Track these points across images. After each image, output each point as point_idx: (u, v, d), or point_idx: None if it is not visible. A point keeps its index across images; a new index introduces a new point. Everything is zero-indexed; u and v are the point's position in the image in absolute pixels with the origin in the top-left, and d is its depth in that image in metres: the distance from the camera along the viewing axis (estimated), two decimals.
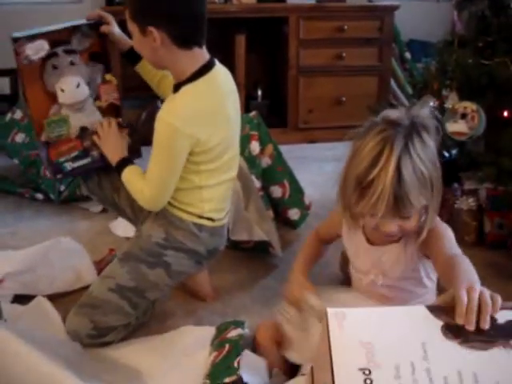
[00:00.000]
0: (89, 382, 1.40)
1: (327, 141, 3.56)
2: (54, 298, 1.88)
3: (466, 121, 2.18)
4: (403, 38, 4.08)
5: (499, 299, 1.07)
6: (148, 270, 1.71)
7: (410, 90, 3.38)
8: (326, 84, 3.64)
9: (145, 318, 1.81)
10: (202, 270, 1.91)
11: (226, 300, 1.98)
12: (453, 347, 1.03)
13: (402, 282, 1.45)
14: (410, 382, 0.98)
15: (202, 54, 1.65)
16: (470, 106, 2.19)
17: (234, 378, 1.42)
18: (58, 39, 1.79)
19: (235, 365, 1.45)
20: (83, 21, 1.82)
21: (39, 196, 2.76)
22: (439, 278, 1.40)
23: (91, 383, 1.42)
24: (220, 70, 1.70)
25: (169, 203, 1.73)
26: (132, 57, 1.84)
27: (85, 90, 1.83)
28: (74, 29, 1.80)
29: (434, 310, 1.09)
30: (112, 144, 1.83)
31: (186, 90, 1.61)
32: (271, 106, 3.75)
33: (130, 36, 1.71)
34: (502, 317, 1.06)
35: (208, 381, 1.46)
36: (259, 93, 3.75)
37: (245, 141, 2.23)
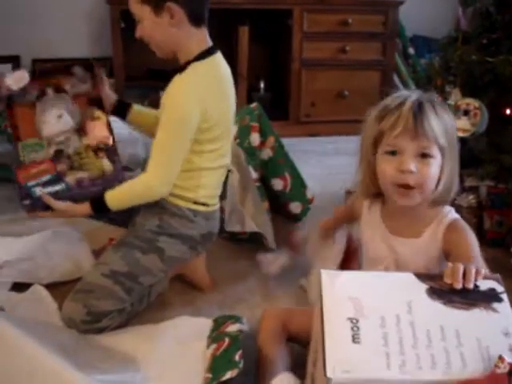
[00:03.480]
0: (84, 370, 1.40)
1: (329, 134, 3.55)
2: (52, 286, 1.89)
3: (468, 117, 2.18)
4: (407, 34, 4.07)
5: (483, 270, 1.17)
6: (141, 256, 1.73)
7: (412, 86, 3.38)
8: (328, 77, 3.63)
9: (141, 306, 1.81)
10: (198, 256, 1.91)
11: (224, 291, 1.98)
12: (436, 306, 1.12)
13: None
14: (394, 332, 1.07)
15: (207, 36, 1.72)
16: (472, 103, 2.18)
17: (235, 371, 1.41)
18: (49, 82, 1.76)
19: (236, 358, 1.45)
20: None
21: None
22: None
23: (87, 371, 1.42)
24: (221, 56, 1.76)
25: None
26: (121, 109, 1.85)
27: (68, 121, 1.76)
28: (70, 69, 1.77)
29: (420, 276, 1.19)
30: (71, 212, 1.74)
31: (194, 66, 1.67)
32: (273, 98, 3.74)
33: None
34: (485, 285, 1.16)
35: (210, 375, 1.45)
36: (261, 85, 3.74)
37: (244, 132, 2.23)
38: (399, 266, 1.44)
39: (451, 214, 1.42)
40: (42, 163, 1.71)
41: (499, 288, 1.16)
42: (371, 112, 1.39)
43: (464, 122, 2.17)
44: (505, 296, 1.15)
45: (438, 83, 2.38)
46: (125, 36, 3.17)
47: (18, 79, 1.72)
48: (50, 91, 1.75)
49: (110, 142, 1.75)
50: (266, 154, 2.29)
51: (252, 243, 2.21)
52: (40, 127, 1.75)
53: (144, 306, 1.83)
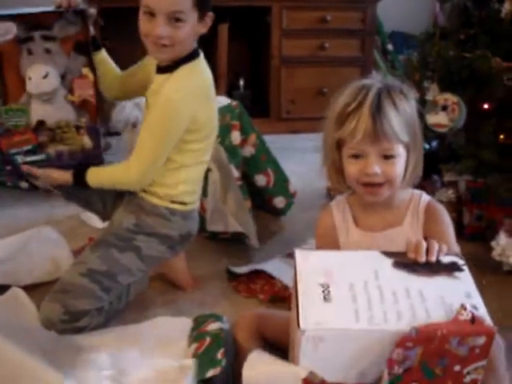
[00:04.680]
0: (63, 371, 1.39)
1: (309, 131, 3.54)
2: (31, 287, 1.87)
3: (446, 113, 2.19)
4: (386, 30, 4.09)
5: (445, 247, 1.24)
6: (119, 254, 1.72)
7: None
8: (308, 75, 3.63)
9: (120, 305, 1.80)
10: (177, 255, 1.90)
11: (205, 290, 1.97)
12: (401, 274, 1.21)
13: None
14: (362, 293, 1.16)
15: None
16: (450, 98, 2.20)
17: (218, 369, 1.41)
18: (37, 22, 1.71)
19: (218, 356, 1.45)
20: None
21: (24, 185, 2.71)
22: None
23: (66, 372, 1.41)
24: (203, 57, 1.76)
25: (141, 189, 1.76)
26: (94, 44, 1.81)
27: (53, 82, 1.74)
28: (59, 14, 1.71)
29: (386, 252, 1.27)
30: (55, 175, 1.78)
31: (187, 68, 1.67)
32: (253, 96, 3.74)
33: None
34: (447, 259, 1.23)
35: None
36: (241, 83, 3.74)
37: (225, 130, 2.22)
38: None
39: (424, 195, 1.44)
40: (25, 133, 1.74)
41: (460, 261, 1.23)
42: (331, 110, 1.38)
43: (442, 118, 2.19)
44: (466, 268, 1.22)
45: (416, 78, 2.40)
46: (104, 34, 3.15)
47: (4, 31, 1.68)
48: (37, 37, 1.71)
49: (94, 100, 1.78)
50: (248, 151, 2.28)
51: (234, 242, 2.20)
52: (26, 79, 1.73)
53: (123, 305, 1.82)
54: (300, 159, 3.16)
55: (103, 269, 1.71)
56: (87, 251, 1.75)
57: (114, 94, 1.91)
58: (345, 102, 1.33)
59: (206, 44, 3.65)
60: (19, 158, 1.75)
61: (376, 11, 3.67)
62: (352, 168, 1.36)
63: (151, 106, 1.71)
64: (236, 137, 2.22)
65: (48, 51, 1.73)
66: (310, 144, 3.39)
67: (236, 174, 2.17)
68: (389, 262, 1.24)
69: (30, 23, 1.70)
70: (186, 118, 1.65)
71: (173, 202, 1.77)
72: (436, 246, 1.22)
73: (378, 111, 1.29)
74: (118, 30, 3.19)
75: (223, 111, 2.27)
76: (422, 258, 1.21)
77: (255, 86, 3.82)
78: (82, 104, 1.78)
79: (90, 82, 1.77)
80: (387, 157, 1.32)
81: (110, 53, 1.88)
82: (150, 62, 1.78)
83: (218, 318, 1.63)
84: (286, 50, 3.57)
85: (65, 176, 1.76)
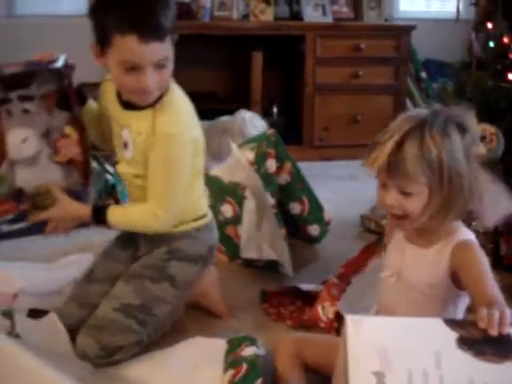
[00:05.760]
0: None
1: (342, 159, 3.56)
2: None
3: (484, 143, 2.18)
4: (419, 57, 4.09)
5: None
6: (152, 286, 1.70)
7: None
8: (341, 102, 3.65)
9: (156, 336, 1.79)
10: (205, 273, 1.87)
11: (240, 317, 1.96)
12: (466, 358, 1.07)
13: (417, 295, 1.42)
14: None
15: None
16: (488, 129, 2.18)
17: None
18: (14, 82, 1.61)
19: None
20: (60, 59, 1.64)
21: None
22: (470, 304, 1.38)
23: None
24: None
25: None
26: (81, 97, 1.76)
27: (32, 146, 1.65)
28: (34, 72, 1.62)
29: (450, 322, 1.14)
30: (70, 215, 1.72)
31: (170, 99, 1.62)
32: (286, 122, 3.76)
33: None
34: None
35: None
36: (275, 109, 3.77)
37: (261, 158, 2.24)
38: (404, 275, 1.43)
39: (465, 234, 1.41)
40: (5, 202, 1.67)
41: None
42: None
43: (480, 148, 2.17)
44: None
45: None
46: None
47: None
48: (14, 98, 1.62)
49: (81, 158, 1.70)
50: (284, 179, 2.29)
51: (268, 269, 2.20)
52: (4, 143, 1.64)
53: (159, 335, 1.81)
54: (333, 187, 3.16)
55: (137, 302, 1.68)
56: (120, 285, 1.72)
57: (110, 145, 1.81)
58: (383, 132, 1.36)
59: (241, 71, 3.73)
60: (4, 228, 1.70)
61: (410, 39, 3.69)
62: (378, 197, 1.40)
63: (140, 146, 1.63)
64: (271, 165, 2.24)
65: (26, 111, 1.64)
66: (343, 171, 3.43)
67: (271, 201, 2.18)
68: (453, 337, 1.11)
69: (7, 83, 1.62)
70: (190, 146, 1.63)
71: (195, 219, 1.75)
72: (509, 316, 1.13)
73: (398, 149, 1.30)
74: None
75: (260, 139, 2.30)
76: (494, 331, 1.10)
77: (288, 113, 3.84)
78: (70, 162, 1.70)
79: (74, 141, 1.68)
80: (404, 193, 1.34)
81: None
82: (102, 94, 1.73)
83: (252, 342, 1.63)
84: (320, 77, 3.60)
85: (84, 213, 1.69)
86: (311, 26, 3.58)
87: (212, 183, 2.36)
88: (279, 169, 2.27)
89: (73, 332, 1.70)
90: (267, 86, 3.64)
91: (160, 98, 1.61)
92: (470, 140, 1.36)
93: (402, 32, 3.67)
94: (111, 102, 1.69)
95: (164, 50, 1.54)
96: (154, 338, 1.78)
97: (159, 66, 1.54)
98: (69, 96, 1.66)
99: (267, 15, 3.61)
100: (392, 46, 3.66)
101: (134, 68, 1.52)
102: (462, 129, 1.35)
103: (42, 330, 1.76)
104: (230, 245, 2.27)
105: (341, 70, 3.61)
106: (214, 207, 2.10)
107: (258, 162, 2.17)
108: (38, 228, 1.71)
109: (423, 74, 4.07)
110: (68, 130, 1.67)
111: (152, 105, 1.61)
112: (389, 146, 1.31)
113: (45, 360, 1.48)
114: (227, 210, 2.27)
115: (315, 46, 3.55)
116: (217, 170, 2.41)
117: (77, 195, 1.72)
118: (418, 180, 1.32)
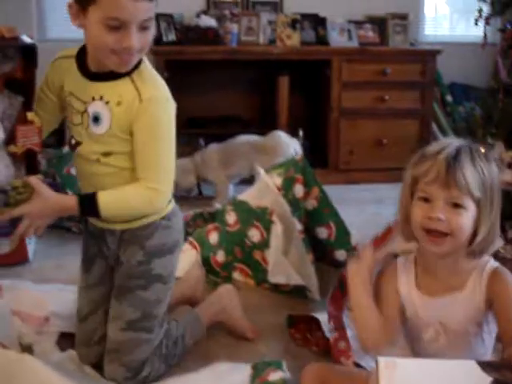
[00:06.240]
0: None
1: (368, 182, 3.57)
2: None
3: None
4: (445, 81, 4.10)
5: None
6: (145, 293, 1.69)
7: (451, 134, 3.39)
8: (367, 126, 3.67)
9: (177, 350, 1.78)
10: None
11: (266, 342, 1.97)
12: None
13: (463, 338, 1.39)
14: None
15: None
16: None
17: None
18: None
19: None
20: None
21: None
22: (498, 335, 1.36)
23: None
24: None
25: (127, 221, 1.67)
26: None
27: None
28: None
29: (484, 365, 1.10)
30: (52, 208, 1.57)
31: (145, 67, 1.60)
32: (312, 146, 3.78)
33: None
34: None
35: None
36: (301, 133, 3.79)
37: (288, 184, 2.26)
38: (447, 327, 1.39)
39: (491, 262, 1.39)
40: None
41: None
42: (411, 159, 1.41)
43: (508, 175, 2.17)
44: None
45: (480, 135, 2.39)
46: (168, 85, 3.26)
47: None
48: None
49: (39, 149, 1.55)
50: (311, 204, 2.31)
51: (294, 294, 2.21)
52: None
53: (181, 350, 1.81)
54: (358, 210, 3.16)
55: (138, 315, 1.69)
56: (115, 304, 1.71)
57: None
58: (424, 150, 1.36)
59: (267, 95, 3.77)
60: None
61: (435, 63, 3.70)
62: (418, 211, 1.35)
63: (121, 116, 1.55)
64: (299, 190, 2.26)
65: None
66: (368, 195, 3.43)
67: (299, 226, 2.20)
68: (487, 381, 1.08)
69: None
70: (174, 112, 1.60)
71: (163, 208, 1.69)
72: None
73: (454, 159, 1.31)
74: (182, 81, 3.31)
75: (288, 164, 2.32)
76: None
77: (314, 137, 3.86)
78: (23, 154, 1.54)
79: (36, 129, 1.52)
80: (455, 205, 1.31)
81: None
82: (53, 74, 1.64)
83: (278, 366, 1.64)
84: (346, 102, 3.63)
85: (68, 202, 1.57)
86: (337, 50, 3.62)
87: (240, 207, 2.39)
88: (306, 194, 2.29)
89: (95, 367, 1.74)
90: (293, 109, 3.67)
91: (136, 66, 1.57)
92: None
93: (427, 56, 3.69)
94: (69, 78, 1.61)
95: (150, 10, 1.50)
96: (173, 350, 1.78)
97: (143, 27, 1.50)
98: (30, 79, 1.53)
99: (293, 40, 3.65)
100: (418, 70, 3.68)
101: (118, 27, 1.47)
102: (489, 156, 1.37)
103: (68, 364, 1.78)
104: (258, 269, 2.30)
105: (366, 94, 3.64)
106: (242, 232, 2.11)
107: (286, 188, 2.19)
108: (7, 230, 1.54)
109: (449, 98, 4.08)
110: (31, 116, 1.51)
111: (128, 73, 1.56)
112: (443, 156, 1.31)
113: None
114: (255, 235, 2.29)
115: (341, 70, 3.58)
116: (244, 195, 2.44)
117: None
118: (472, 193, 1.30)
